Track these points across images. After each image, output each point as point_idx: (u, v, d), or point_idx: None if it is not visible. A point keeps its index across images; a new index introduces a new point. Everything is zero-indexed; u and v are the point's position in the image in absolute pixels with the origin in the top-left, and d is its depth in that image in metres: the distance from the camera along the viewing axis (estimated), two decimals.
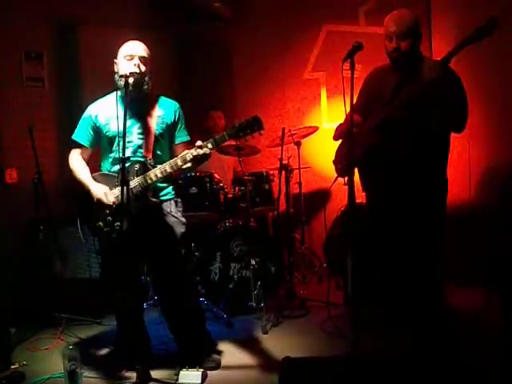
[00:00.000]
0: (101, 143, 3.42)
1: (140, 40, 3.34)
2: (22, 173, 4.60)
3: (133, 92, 3.13)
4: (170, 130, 3.38)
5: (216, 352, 3.54)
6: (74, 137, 3.45)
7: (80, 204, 3.38)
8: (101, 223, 3.23)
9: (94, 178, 3.33)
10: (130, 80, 3.12)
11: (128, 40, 3.32)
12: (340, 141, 3.70)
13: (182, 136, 3.44)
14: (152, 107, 3.34)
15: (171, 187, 3.45)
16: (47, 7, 4.93)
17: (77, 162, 3.41)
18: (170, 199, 3.41)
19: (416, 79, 3.21)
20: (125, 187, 2.97)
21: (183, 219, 3.45)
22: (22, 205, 4.45)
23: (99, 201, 3.21)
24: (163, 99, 3.44)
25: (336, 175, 3.66)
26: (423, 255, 3.38)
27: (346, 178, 2.94)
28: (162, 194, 3.37)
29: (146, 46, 3.32)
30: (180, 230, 3.39)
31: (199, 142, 3.13)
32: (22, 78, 4.77)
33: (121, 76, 3.17)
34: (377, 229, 3.56)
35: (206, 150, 3.10)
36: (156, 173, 3.17)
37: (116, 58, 3.30)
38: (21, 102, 4.73)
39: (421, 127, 3.27)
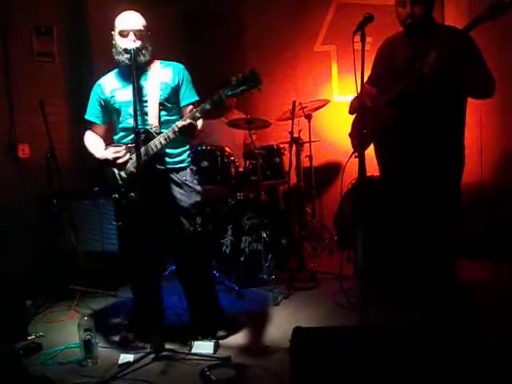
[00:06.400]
0: (112, 116, 3.44)
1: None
2: (35, 148, 4.64)
3: (132, 66, 3.11)
4: (175, 93, 3.36)
5: (226, 323, 3.57)
6: (85, 116, 3.50)
7: (96, 176, 3.41)
8: (116, 195, 3.26)
9: (106, 149, 3.34)
10: (126, 56, 3.16)
11: (124, 10, 3.27)
12: (355, 114, 3.67)
13: (188, 97, 3.39)
14: (154, 73, 3.32)
15: (187, 154, 3.45)
16: None
17: (89, 139, 3.46)
18: (185, 167, 3.42)
19: (431, 47, 3.07)
20: (137, 157, 3.04)
21: (198, 187, 3.44)
22: (34, 179, 4.50)
23: (115, 159, 3.24)
24: (165, 63, 3.40)
25: (352, 149, 3.63)
26: (438, 228, 3.35)
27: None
28: (177, 161, 3.38)
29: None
30: (195, 198, 3.40)
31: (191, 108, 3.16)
32: (32, 54, 4.78)
33: (118, 52, 3.21)
34: (390, 202, 3.55)
35: (200, 110, 3.10)
36: (160, 140, 3.16)
37: (113, 30, 3.26)
38: (32, 78, 4.74)
39: (438, 98, 3.20)
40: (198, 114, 3.13)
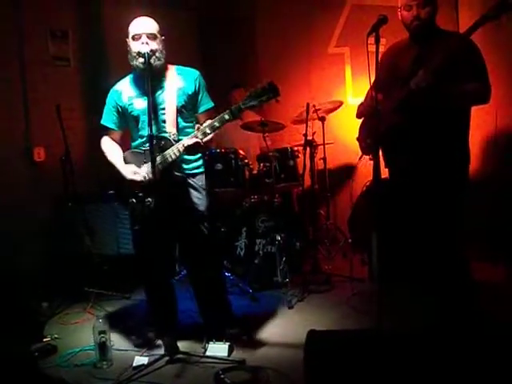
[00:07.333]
0: (128, 123, 3.44)
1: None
2: (50, 151, 4.67)
3: (147, 70, 3.11)
4: (192, 99, 3.36)
5: (237, 325, 3.57)
6: (101, 122, 3.48)
7: (114, 182, 3.42)
8: (133, 199, 3.26)
9: (125, 156, 3.37)
10: (140, 60, 3.14)
11: (137, 17, 3.27)
12: (362, 118, 3.69)
13: (205, 104, 3.40)
14: (170, 80, 3.32)
15: (202, 161, 3.46)
16: None
17: (106, 145, 3.45)
18: (201, 172, 3.44)
19: (434, 53, 3.13)
20: (152, 164, 3.04)
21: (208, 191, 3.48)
22: (49, 182, 4.54)
23: (132, 180, 3.24)
24: (181, 69, 3.40)
25: (360, 152, 3.67)
26: (447, 229, 3.37)
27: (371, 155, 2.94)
28: (194, 166, 3.40)
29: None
30: (210, 202, 3.43)
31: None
32: (48, 58, 4.81)
33: (133, 57, 3.20)
34: (399, 204, 3.55)
35: (218, 120, 3.11)
36: (178, 147, 3.16)
37: (127, 37, 3.26)
38: (48, 81, 4.78)
39: (442, 104, 3.23)
40: (216, 124, 3.11)
